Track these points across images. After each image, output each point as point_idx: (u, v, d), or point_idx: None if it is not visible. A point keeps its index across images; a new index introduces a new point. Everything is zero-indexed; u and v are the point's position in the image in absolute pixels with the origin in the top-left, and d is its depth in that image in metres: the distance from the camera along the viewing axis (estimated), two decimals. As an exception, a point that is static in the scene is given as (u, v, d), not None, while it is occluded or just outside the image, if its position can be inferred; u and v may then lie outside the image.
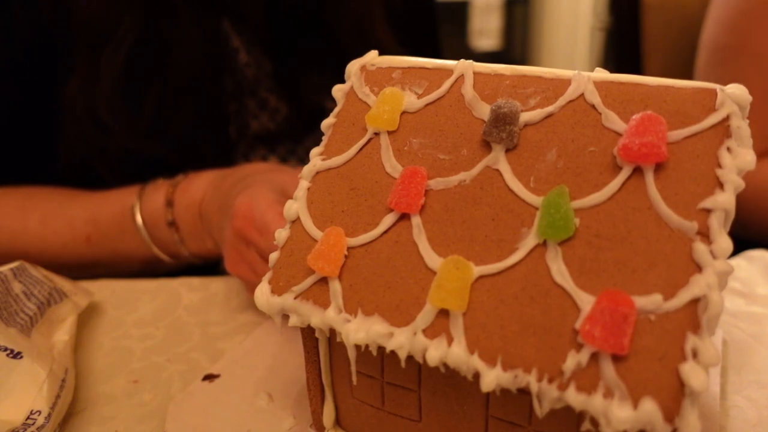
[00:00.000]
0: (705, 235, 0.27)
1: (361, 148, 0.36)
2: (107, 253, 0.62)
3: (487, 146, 0.33)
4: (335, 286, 0.32)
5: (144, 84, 0.65)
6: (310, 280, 0.33)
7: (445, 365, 0.29)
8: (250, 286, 0.51)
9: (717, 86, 0.30)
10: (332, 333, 0.32)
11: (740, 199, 0.29)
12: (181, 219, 0.60)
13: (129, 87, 0.63)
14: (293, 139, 0.76)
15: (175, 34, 0.65)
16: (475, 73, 0.35)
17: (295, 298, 0.33)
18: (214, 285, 0.57)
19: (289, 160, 0.77)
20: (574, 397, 0.26)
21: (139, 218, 0.60)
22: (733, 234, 0.28)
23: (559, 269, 0.28)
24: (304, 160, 0.76)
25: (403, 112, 0.36)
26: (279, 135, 0.75)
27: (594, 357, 0.26)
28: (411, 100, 0.36)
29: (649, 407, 0.25)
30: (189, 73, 0.66)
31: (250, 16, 0.72)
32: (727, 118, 0.29)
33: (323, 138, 0.38)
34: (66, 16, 0.62)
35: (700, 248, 0.27)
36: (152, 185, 0.62)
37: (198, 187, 0.60)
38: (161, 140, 0.66)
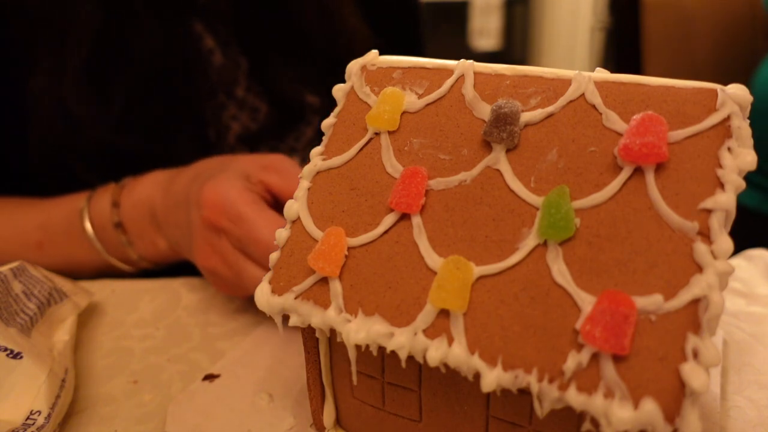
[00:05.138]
0: (706, 235, 0.27)
1: (361, 148, 0.36)
2: (60, 260, 0.61)
3: (487, 146, 0.33)
4: (336, 286, 0.32)
5: (110, 77, 0.63)
6: (310, 280, 0.33)
7: (446, 365, 0.29)
8: (221, 282, 0.50)
9: (717, 86, 0.30)
10: (333, 333, 0.32)
11: None
12: (128, 219, 0.58)
13: (95, 79, 0.62)
14: (275, 137, 0.75)
15: (135, 31, 0.64)
16: (476, 73, 0.35)
17: (295, 298, 0.33)
18: (214, 285, 0.57)
19: None
20: (574, 398, 0.26)
21: (87, 223, 0.59)
22: (733, 234, 0.28)
23: (559, 269, 0.28)
24: (288, 155, 0.75)
25: (404, 112, 0.36)
26: (260, 135, 0.74)
27: (595, 357, 0.26)
28: (411, 100, 0.36)
29: (650, 407, 0.25)
30: (153, 69, 0.65)
31: (219, 11, 0.71)
32: (727, 118, 0.29)
33: (324, 138, 0.38)
34: (23, 7, 0.61)
35: (700, 248, 0.27)
36: (102, 188, 0.61)
37: (144, 186, 0.58)
38: (133, 134, 0.64)
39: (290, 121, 0.74)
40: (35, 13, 0.61)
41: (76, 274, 0.59)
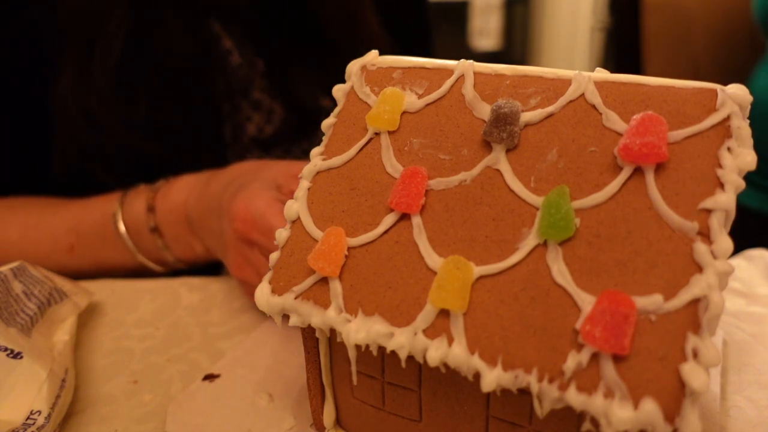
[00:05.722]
0: (705, 235, 0.27)
1: (361, 148, 0.36)
2: (91, 262, 0.61)
3: (487, 146, 0.33)
4: (336, 286, 0.32)
5: (136, 80, 0.64)
6: (310, 280, 0.33)
7: (446, 365, 0.29)
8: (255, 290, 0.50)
9: (717, 86, 0.30)
10: (333, 333, 0.32)
11: None
12: (164, 224, 0.59)
13: (121, 83, 0.63)
14: (289, 139, 0.76)
15: (162, 32, 0.64)
16: (476, 73, 0.35)
17: (295, 298, 0.33)
18: (214, 285, 0.57)
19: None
20: (574, 398, 0.26)
21: (121, 226, 0.59)
22: (733, 234, 0.28)
23: (559, 269, 0.28)
24: (300, 158, 0.75)
25: (404, 112, 0.36)
26: (275, 137, 0.74)
27: (595, 357, 0.26)
28: (411, 100, 0.36)
29: (650, 407, 0.25)
30: (178, 71, 0.65)
31: (238, 12, 0.71)
32: (727, 119, 0.29)
33: (324, 138, 0.38)
34: (52, 12, 0.61)
35: (700, 248, 0.27)
36: (133, 191, 0.61)
37: (179, 190, 0.59)
38: (156, 138, 0.65)
39: (305, 124, 0.75)
40: (66, 18, 0.61)
41: (106, 275, 0.60)
